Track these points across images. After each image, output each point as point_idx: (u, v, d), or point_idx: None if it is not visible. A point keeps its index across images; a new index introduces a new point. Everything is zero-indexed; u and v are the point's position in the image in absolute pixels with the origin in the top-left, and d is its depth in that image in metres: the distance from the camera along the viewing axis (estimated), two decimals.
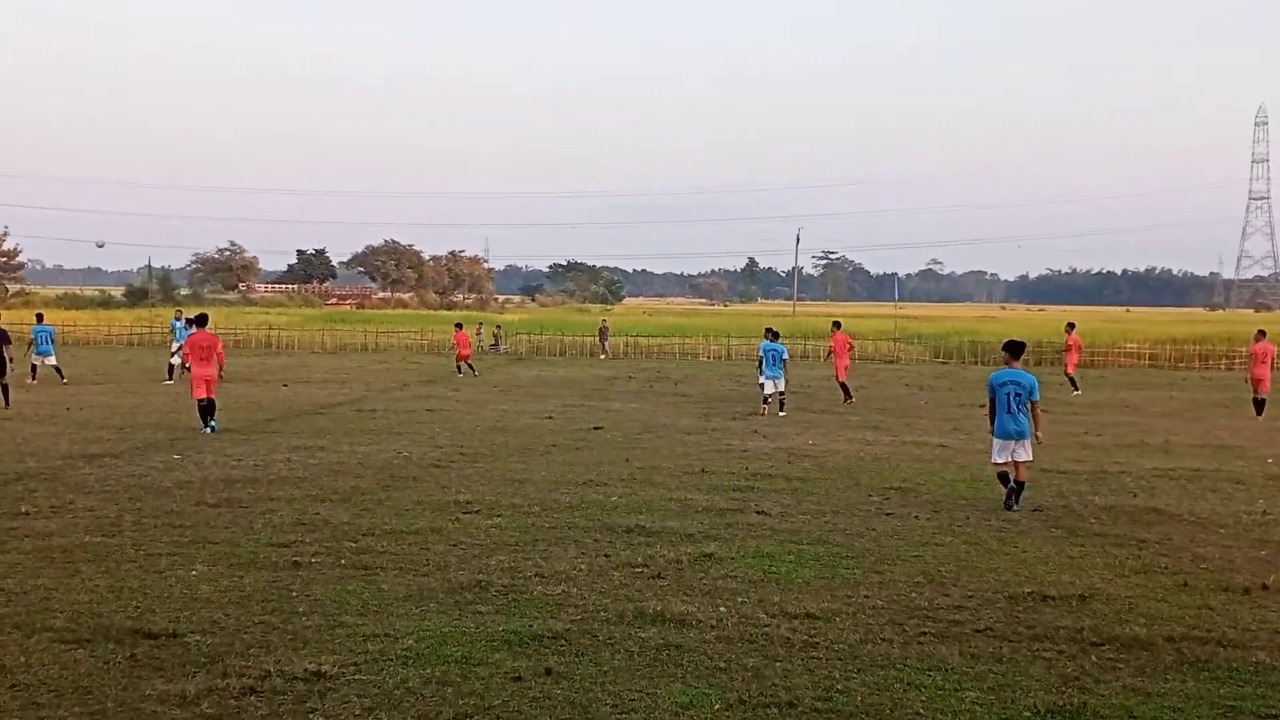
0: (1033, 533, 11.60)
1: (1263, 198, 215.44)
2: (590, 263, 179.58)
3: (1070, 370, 32.01)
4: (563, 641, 7.61)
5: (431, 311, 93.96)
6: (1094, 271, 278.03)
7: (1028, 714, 6.45)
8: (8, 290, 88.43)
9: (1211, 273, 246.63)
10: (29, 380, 27.06)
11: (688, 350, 50.70)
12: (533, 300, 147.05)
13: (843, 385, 27.54)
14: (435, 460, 16.06)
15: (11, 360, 23.16)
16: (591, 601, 8.63)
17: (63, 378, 28.61)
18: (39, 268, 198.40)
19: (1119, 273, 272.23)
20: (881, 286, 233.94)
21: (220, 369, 19.48)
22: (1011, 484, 13.04)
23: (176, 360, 29.10)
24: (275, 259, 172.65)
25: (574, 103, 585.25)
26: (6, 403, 22.34)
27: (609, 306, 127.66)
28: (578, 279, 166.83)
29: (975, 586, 9.31)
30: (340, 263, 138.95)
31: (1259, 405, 25.01)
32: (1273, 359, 26.34)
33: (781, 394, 24.21)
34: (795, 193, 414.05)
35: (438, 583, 9.14)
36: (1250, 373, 26.46)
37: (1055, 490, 14.20)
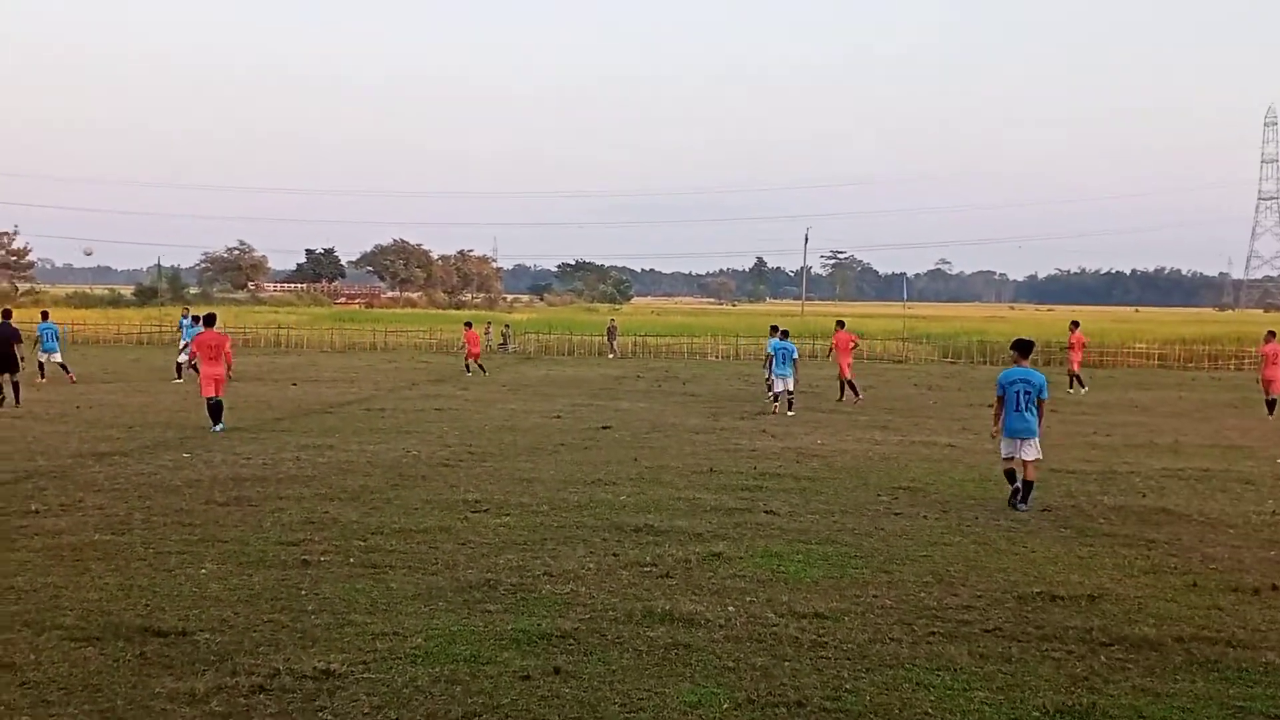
0: (1042, 533, 11.58)
1: (1272, 198, 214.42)
2: (598, 262, 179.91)
3: (1075, 368, 32.02)
4: (571, 640, 7.61)
5: (440, 311, 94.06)
6: (1103, 271, 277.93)
7: (1037, 714, 6.44)
8: (18, 289, 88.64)
9: (1221, 273, 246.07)
10: (38, 379, 27.14)
11: (696, 350, 50.64)
12: (541, 300, 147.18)
13: (850, 383, 27.51)
14: (444, 459, 16.08)
15: (23, 359, 23.23)
16: (600, 600, 8.64)
17: (69, 373, 28.62)
18: (49, 266, 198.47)
19: (1128, 273, 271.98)
20: (890, 286, 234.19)
21: (229, 368, 19.53)
22: (1017, 484, 13.04)
23: (184, 358, 29.18)
24: (284, 258, 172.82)
25: (574, 103, 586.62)
26: (17, 401, 22.40)
27: (617, 306, 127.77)
28: (586, 278, 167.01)
29: (984, 586, 9.30)
30: (349, 262, 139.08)
31: (1271, 406, 24.94)
32: None
33: (790, 393, 24.19)
34: (795, 192, 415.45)
35: (446, 581, 9.14)
36: (1261, 374, 26.36)
37: (1064, 490, 14.18)
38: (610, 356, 47.85)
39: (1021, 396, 12.96)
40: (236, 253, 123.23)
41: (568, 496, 13.18)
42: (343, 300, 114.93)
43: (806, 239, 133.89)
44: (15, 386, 22.58)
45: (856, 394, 27.41)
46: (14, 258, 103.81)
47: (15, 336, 22.95)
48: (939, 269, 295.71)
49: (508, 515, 11.97)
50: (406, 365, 39.76)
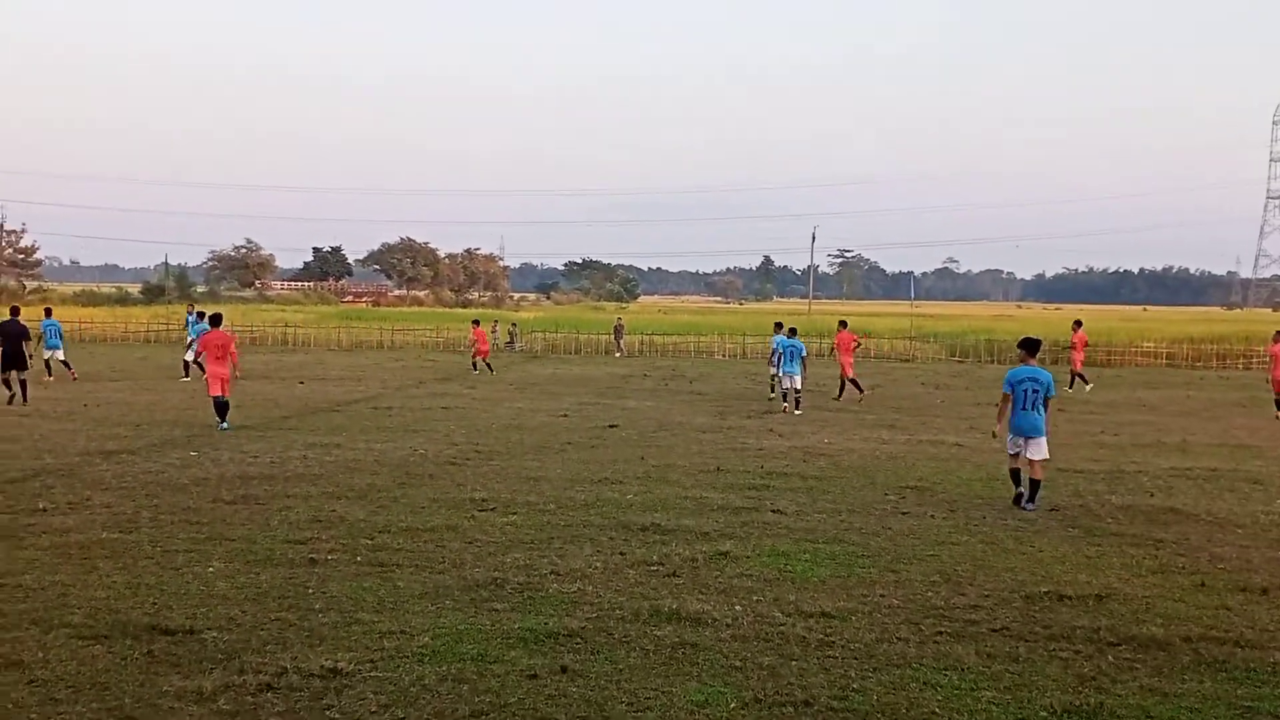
0: (1049, 532, 11.57)
1: None
2: (605, 261, 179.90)
3: (1077, 367, 31.98)
4: (578, 639, 7.61)
5: (447, 309, 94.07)
6: (1111, 270, 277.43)
7: (1044, 714, 6.43)
8: (25, 287, 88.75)
9: (1229, 272, 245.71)
10: (45, 377, 27.17)
11: (703, 348, 50.60)
12: (548, 298, 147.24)
13: (853, 381, 27.49)
14: (451, 458, 16.09)
15: (31, 356, 23.28)
16: (607, 599, 8.64)
17: (71, 371, 28.63)
18: (56, 264, 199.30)
19: (1136, 272, 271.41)
20: (897, 285, 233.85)
21: (235, 368, 19.62)
22: (1021, 489, 13.06)
23: (190, 355, 29.21)
24: (291, 257, 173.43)
25: (574, 103, 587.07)
26: (25, 399, 22.45)
27: (624, 304, 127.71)
28: (593, 277, 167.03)
29: (991, 586, 9.29)
30: (356, 260, 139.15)
31: None
32: None
33: (798, 392, 24.17)
34: (796, 192, 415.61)
35: (453, 580, 9.15)
36: (1271, 374, 26.29)
37: (1072, 489, 14.16)
38: (617, 355, 47.83)
39: (1029, 395, 12.99)
40: (244, 251, 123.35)
41: (575, 495, 13.18)
42: (350, 299, 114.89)
43: (814, 238, 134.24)
44: (23, 384, 22.62)
45: (860, 389, 27.41)
46: (21, 255, 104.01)
47: (24, 334, 22.99)
48: (946, 268, 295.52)
49: (515, 514, 11.97)
50: (413, 364, 39.78)
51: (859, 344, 30.80)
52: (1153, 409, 26.67)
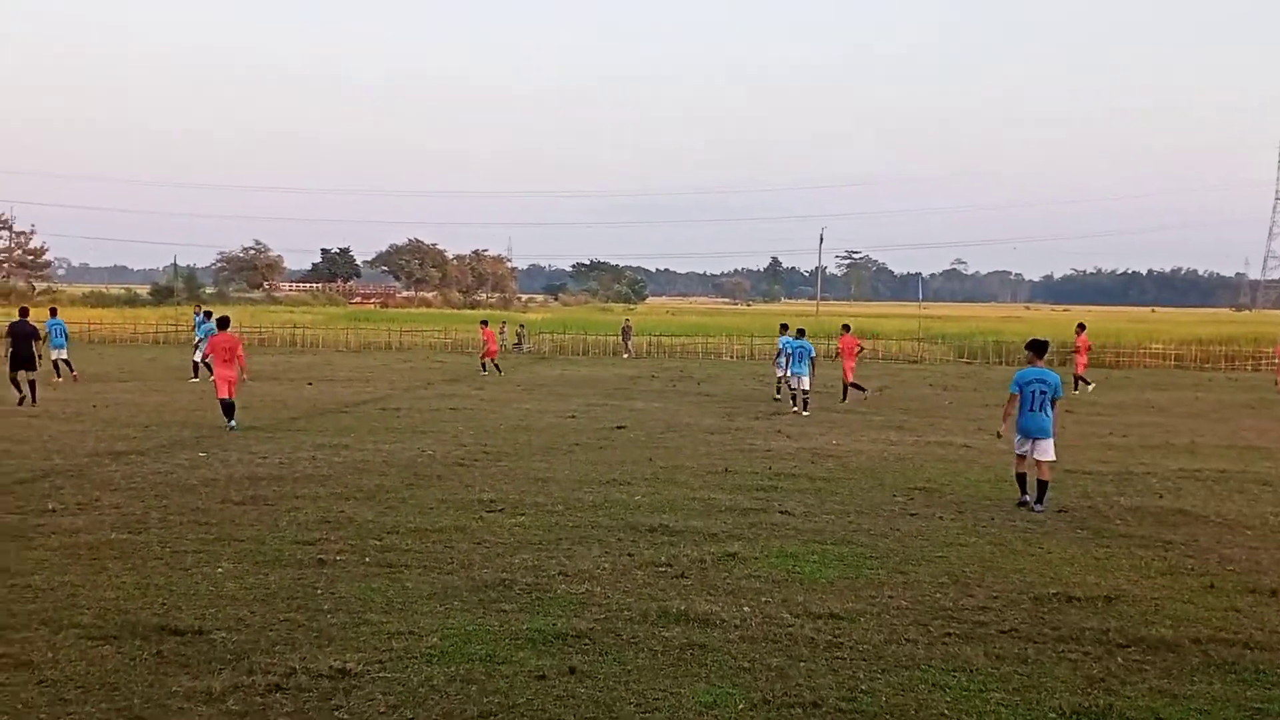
0: (1058, 534, 11.55)
1: None
2: (613, 262, 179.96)
3: (1079, 370, 31.93)
4: (587, 640, 7.61)
5: (455, 311, 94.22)
6: (1119, 272, 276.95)
7: (1053, 715, 6.42)
8: (35, 288, 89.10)
9: (1237, 273, 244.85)
10: (54, 378, 27.22)
11: (711, 350, 50.61)
12: (556, 299, 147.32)
13: (854, 385, 27.47)
14: (459, 459, 16.10)
15: (41, 357, 23.35)
16: (615, 600, 8.64)
17: (73, 371, 28.61)
18: (65, 266, 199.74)
19: (1144, 273, 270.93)
20: (905, 286, 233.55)
21: (242, 370, 19.71)
22: (1026, 497, 13.07)
23: (199, 356, 29.26)
24: (300, 258, 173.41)
25: (574, 102, 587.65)
26: (34, 400, 22.49)
27: (632, 306, 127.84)
28: (601, 278, 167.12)
29: (1000, 587, 9.28)
30: (364, 262, 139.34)
31: None
32: None
33: (806, 393, 24.16)
34: (798, 193, 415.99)
35: (462, 581, 9.16)
36: (1279, 376, 26.22)
37: (1080, 491, 14.13)
38: (625, 356, 47.84)
39: (1037, 396, 13.00)
40: (252, 252, 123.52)
41: (583, 496, 13.18)
42: (358, 300, 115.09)
43: (821, 239, 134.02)
44: (32, 385, 22.67)
45: (862, 390, 27.42)
46: (31, 257, 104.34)
47: (34, 334, 23.06)
48: (954, 269, 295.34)
49: (523, 515, 11.98)
50: (421, 365, 39.82)
51: (861, 349, 30.79)
52: (1161, 410, 26.62)
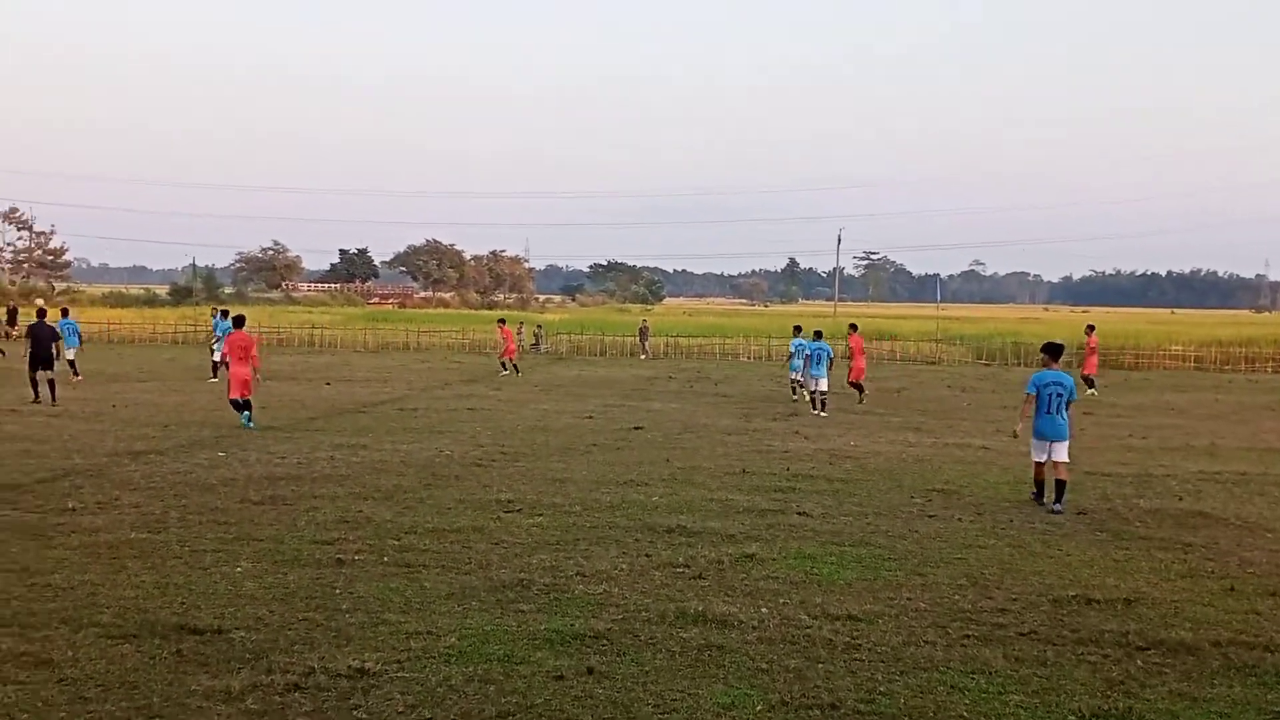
0: (1077, 536, 11.51)
1: None
2: (631, 263, 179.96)
3: (1090, 372, 31.73)
4: (604, 641, 7.62)
5: (473, 311, 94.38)
6: (1138, 273, 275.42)
7: (1072, 718, 6.40)
8: (54, 288, 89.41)
9: (1258, 275, 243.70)
10: (73, 378, 27.35)
11: (728, 350, 50.57)
12: (573, 300, 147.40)
13: (858, 385, 27.42)
14: (477, 459, 16.12)
15: (59, 356, 23.48)
16: (633, 601, 8.64)
17: (75, 373, 28.59)
18: (85, 266, 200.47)
19: (1164, 274, 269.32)
20: (923, 287, 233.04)
21: (256, 370, 19.80)
22: (1043, 501, 13.04)
23: (218, 356, 29.34)
24: (318, 258, 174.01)
25: (574, 102, 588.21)
26: (54, 399, 22.61)
27: (649, 306, 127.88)
28: (618, 279, 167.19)
29: (1019, 589, 9.25)
30: (382, 262, 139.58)
31: None
32: None
33: (824, 394, 24.13)
34: (798, 194, 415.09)
35: (480, 581, 9.17)
36: None
37: (1100, 493, 14.08)
38: (642, 357, 47.84)
39: (1054, 399, 13.04)
40: (271, 253, 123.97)
41: (600, 497, 13.19)
42: (376, 300, 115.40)
43: (839, 240, 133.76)
44: (51, 384, 22.79)
45: (861, 391, 27.39)
46: (50, 257, 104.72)
47: (54, 335, 23.21)
48: (973, 270, 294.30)
49: (540, 515, 11.99)
50: (439, 365, 39.89)
51: (863, 351, 30.74)
52: (1181, 412, 26.50)
